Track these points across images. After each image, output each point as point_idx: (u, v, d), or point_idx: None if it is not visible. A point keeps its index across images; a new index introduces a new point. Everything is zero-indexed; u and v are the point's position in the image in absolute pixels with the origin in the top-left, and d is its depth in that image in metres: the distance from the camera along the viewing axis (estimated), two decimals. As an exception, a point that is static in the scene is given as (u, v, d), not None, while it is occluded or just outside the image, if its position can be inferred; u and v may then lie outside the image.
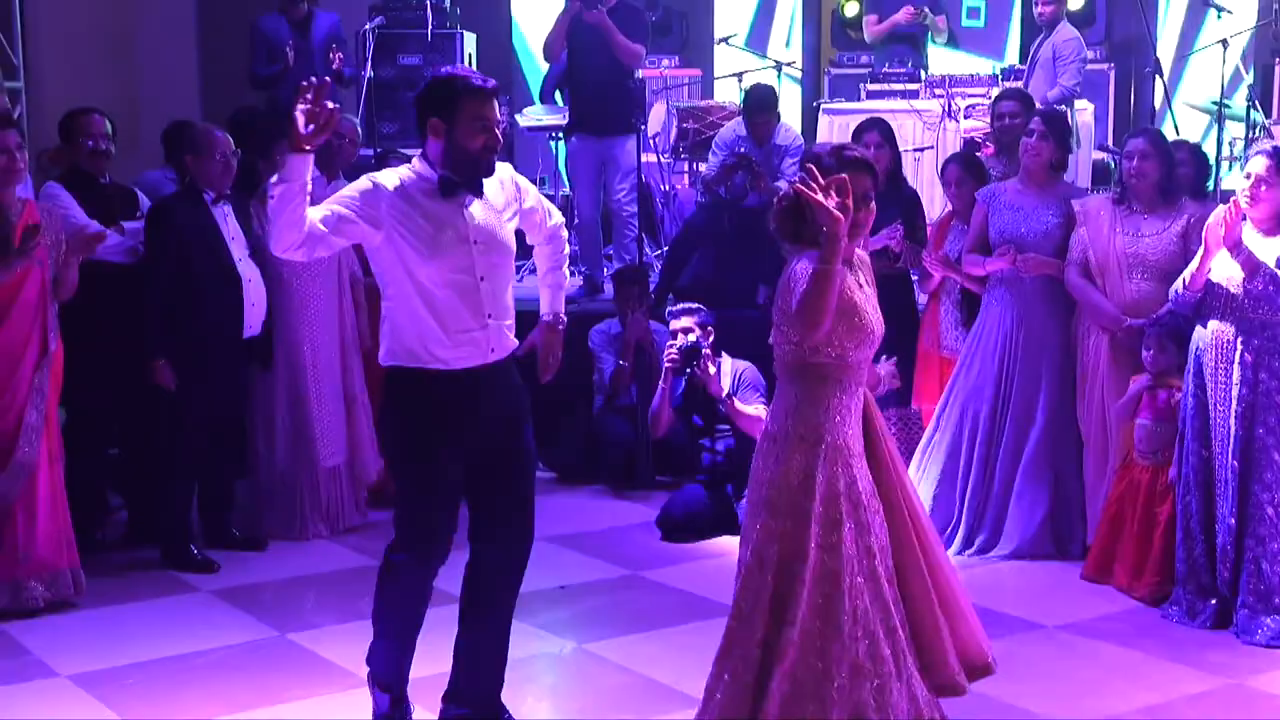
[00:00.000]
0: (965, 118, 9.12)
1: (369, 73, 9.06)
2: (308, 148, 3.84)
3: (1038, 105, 7.44)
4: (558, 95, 9.96)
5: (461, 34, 9.79)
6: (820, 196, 3.59)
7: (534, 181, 10.11)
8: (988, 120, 7.70)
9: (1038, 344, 6.12)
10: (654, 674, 4.86)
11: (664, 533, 6.51)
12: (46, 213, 5.61)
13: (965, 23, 10.82)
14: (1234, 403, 5.19)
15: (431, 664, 4.35)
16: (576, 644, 5.22)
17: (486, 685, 4.35)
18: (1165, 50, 8.83)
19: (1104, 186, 8.72)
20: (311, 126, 3.82)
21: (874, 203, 3.85)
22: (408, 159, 7.13)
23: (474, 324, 4.08)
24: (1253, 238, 5.18)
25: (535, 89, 10.85)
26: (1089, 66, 9.39)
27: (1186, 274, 5.32)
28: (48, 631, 5.32)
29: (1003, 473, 6.14)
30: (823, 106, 9.88)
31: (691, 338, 6.38)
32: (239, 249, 6.08)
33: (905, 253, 6.55)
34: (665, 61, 10.84)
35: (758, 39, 11.38)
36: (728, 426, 6.64)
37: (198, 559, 6.03)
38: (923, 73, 9.96)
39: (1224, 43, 7.81)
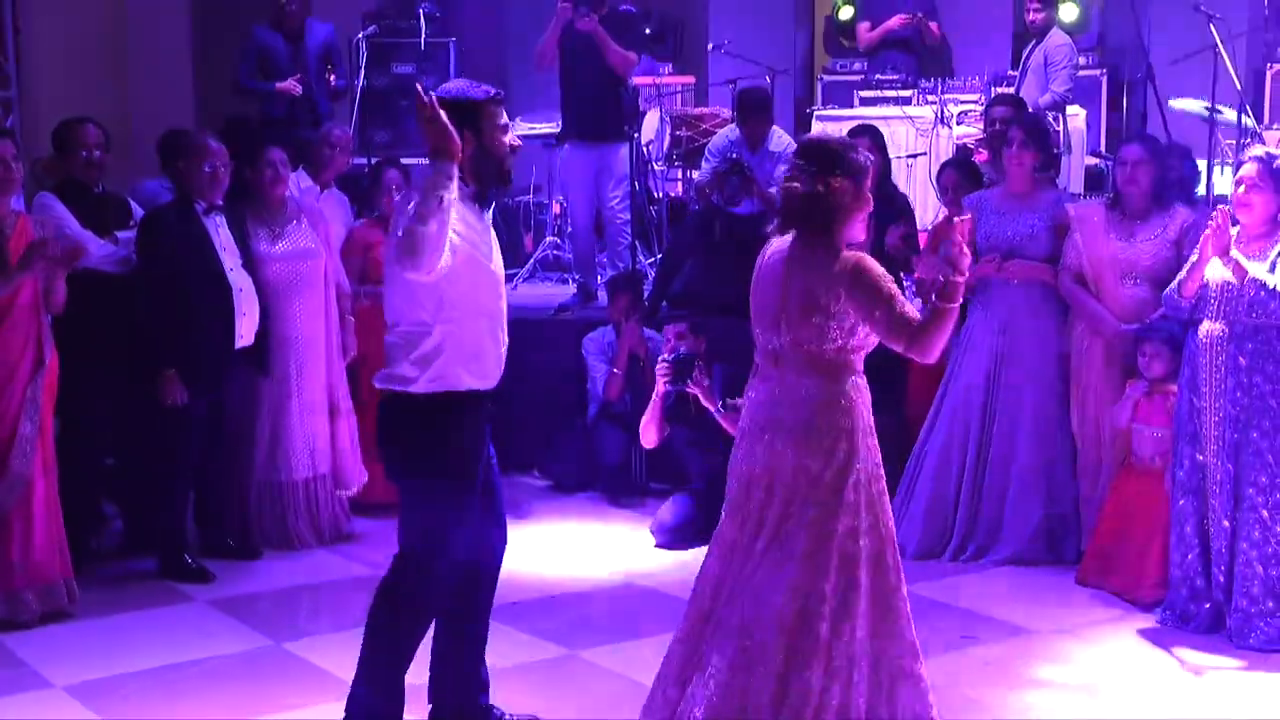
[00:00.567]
0: (958, 124, 9.14)
1: (361, 81, 9.06)
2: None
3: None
4: None
5: (453, 43, 9.80)
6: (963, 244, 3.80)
7: (527, 190, 10.22)
8: (980, 126, 7.72)
9: (1024, 349, 6.14)
10: (648, 681, 4.85)
11: (658, 540, 6.53)
12: (39, 224, 5.59)
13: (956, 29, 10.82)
14: (1228, 406, 5.21)
15: (420, 671, 4.32)
16: (569, 650, 5.22)
17: (471, 689, 4.35)
18: (1157, 56, 8.85)
19: (1097, 192, 8.73)
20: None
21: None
22: (404, 168, 7.18)
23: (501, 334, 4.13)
24: (1243, 243, 5.20)
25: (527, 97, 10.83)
26: (1081, 72, 9.43)
27: (1177, 281, 5.34)
28: (42, 642, 5.31)
29: (995, 478, 6.15)
30: (815, 112, 9.89)
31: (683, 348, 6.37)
32: (230, 259, 6.04)
33: (899, 256, 6.56)
34: (663, 69, 10.86)
35: (751, 45, 11.35)
36: (720, 435, 6.62)
37: (193, 568, 6.02)
38: (917, 79, 9.97)
39: (1215, 48, 7.83)
